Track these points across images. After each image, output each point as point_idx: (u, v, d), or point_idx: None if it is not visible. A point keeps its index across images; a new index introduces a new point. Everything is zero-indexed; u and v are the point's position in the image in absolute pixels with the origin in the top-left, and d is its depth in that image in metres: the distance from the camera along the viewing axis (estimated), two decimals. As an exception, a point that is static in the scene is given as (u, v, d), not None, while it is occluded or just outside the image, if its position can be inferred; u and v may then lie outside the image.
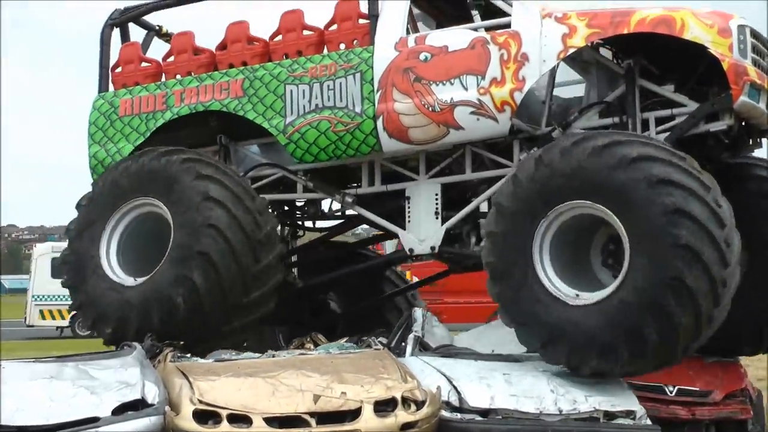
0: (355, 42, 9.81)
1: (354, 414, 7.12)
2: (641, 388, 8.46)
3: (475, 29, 9.38)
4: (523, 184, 8.29)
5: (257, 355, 8.45)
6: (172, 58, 10.62)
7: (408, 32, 9.65)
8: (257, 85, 9.95)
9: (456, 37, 9.34)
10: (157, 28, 11.40)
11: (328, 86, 9.68)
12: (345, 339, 9.63)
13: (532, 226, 8.22)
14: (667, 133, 8.93)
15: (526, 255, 8.20)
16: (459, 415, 7.57)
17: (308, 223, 11.47)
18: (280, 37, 10.17)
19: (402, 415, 7.17)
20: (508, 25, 9.24)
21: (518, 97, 8.98)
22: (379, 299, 11.28)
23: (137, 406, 7.09)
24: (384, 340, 9.28)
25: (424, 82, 9.30)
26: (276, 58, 10.13)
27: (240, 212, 9.04)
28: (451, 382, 7.83)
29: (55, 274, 31.59)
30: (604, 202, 7.87)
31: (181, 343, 8.77)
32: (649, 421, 7.79)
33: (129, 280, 9.36)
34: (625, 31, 8.73)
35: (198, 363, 8.12)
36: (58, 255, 31.63)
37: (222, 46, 10.43)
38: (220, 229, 8.88)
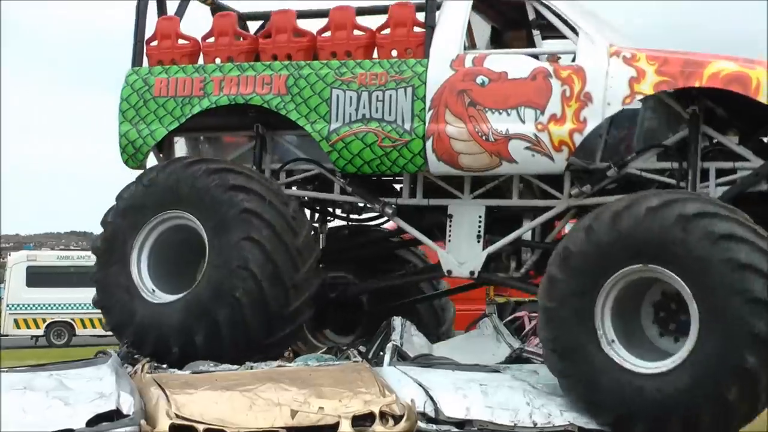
0: (408, 51, 9.35)
1: (332, 429, 7.23)
2: None
3: (537, 57, 8.97)
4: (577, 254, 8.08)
5: (235, 366, 8.44)
6: (212, 39, 10.13)
7: (465, 47, 9.22)
8: (302, 85, 9.52)
9: (517, 64, 8.94)
10: None
11: (377, 97, 9.28)
12: (322, 350, 9.82)
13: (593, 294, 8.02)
14: (727, 187, 8.67)
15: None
16: (435, 426, 7.68)
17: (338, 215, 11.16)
18: (328, 33, 9.70)
19: (380, 430, 7.30)
20: (572, 56, 8.86)
21: (578, 138, 8.65)
22: (408, 302, 11.00)
23: (112, 417, 7.13)
24: (363, 349, 9.38)
25: (479, 108, 8.93)
26: (322, 55, 9.68)
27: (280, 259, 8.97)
28: (427, 393, 7.90)
29: (30, 283, 31.63)
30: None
31: None
32: None
33: (147, 288, 9.30)
34: (697, 84, 8.39)
35: (175, 374, 8.16)
36: (33, 263, 32.00)
37: (266, 35, 9.95)
38: (255, 275, 8.85)
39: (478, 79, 8.97)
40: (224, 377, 7.94)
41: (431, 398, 7.83)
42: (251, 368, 8.33)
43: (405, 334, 9.41)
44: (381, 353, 9.02)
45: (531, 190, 9.46)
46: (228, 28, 10.05)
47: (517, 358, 9.32)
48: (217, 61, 10.01)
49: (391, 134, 9.20)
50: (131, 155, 10.09)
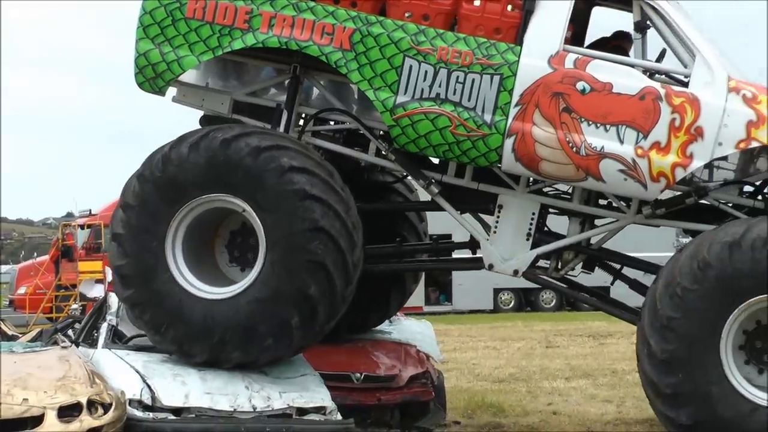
0: (497, 31, 8.47)
1: (36, 421, 7.18)
2: (330, 377, 8.79)
3: (647, 74, 8.34)
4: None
5: None
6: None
7: (565, 41, 8.41)
8: (370, 44, 8.49)
9: (625, 78, 8.28)
10: None
11: (458, 78, 8.41)
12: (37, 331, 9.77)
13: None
14: None
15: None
16: (151, 414, 7.74)
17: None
18: (405, -10, 8.64)
19: (87, 421, 7.27)
20: (686, 81, 8.28)
21: (679, 173, 8.19)
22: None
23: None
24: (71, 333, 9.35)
25: (574, 116, 8.26)
26: (393, 12, 8.63)
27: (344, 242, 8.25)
28: (144, 380, 7.92)
29: None
30: None
31: None
32: (339, 416, 8.18)
33: (189, 281, 8.38)
34: None
35: None
36: None
37: (329, -28, 8.77)
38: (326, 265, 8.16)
39: (579, 85, 8.28)
40: None
41: (148, 386, 7.85)
42: None
43: (122, 312, 9.05)
44: (95, 333, 8.93)
45: (593, 200, 8.95)
46: None
47: None
48: None
49: (468, 123, 8.41)
50: (149, 79, 8.85)
